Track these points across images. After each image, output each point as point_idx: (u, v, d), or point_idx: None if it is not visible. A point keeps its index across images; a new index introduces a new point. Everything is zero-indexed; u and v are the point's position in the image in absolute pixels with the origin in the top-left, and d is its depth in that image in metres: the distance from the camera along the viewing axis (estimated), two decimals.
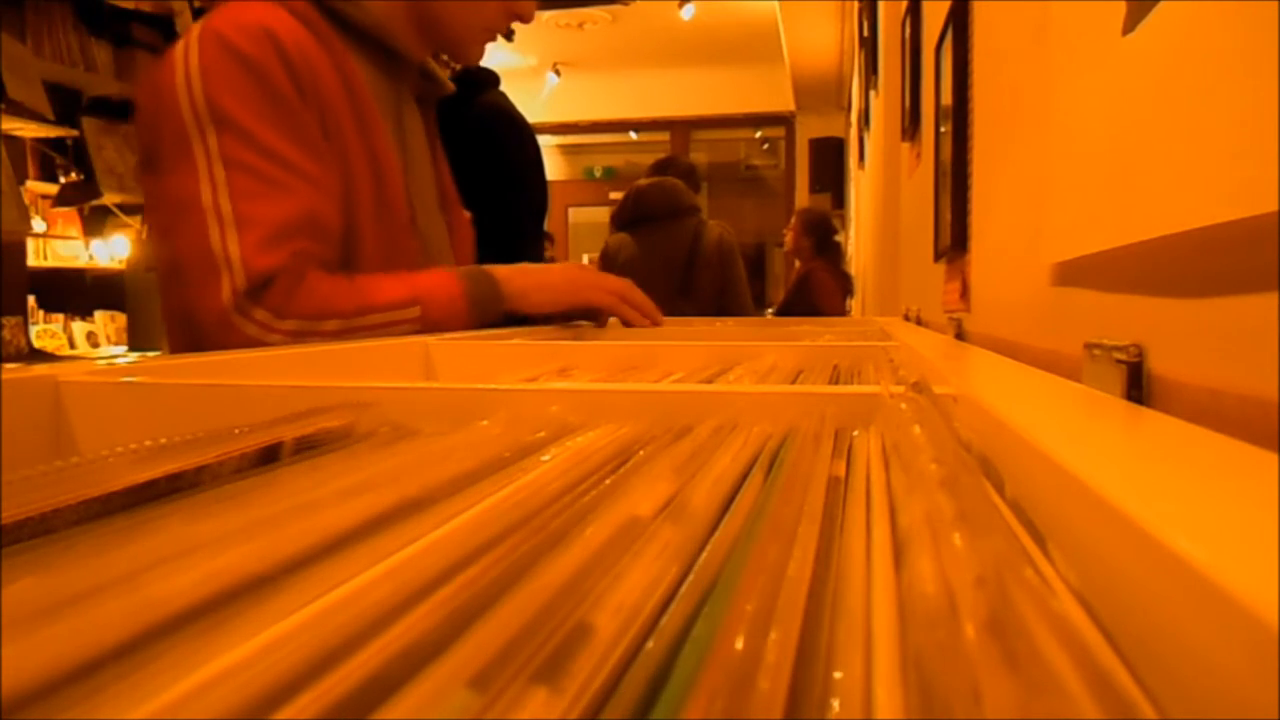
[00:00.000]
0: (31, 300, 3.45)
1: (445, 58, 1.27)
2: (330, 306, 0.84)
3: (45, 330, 3.52)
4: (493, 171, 1.26)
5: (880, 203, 2.78)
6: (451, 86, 1.17)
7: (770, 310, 4.94)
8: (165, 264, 0.86)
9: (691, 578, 0.18)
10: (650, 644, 0.14)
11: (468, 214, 1.21)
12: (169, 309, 0.90)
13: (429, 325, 0.89)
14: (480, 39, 1.08)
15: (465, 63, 1.15)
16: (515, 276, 0.98)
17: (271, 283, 0.81)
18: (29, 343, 3.28)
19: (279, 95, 0.85)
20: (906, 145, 2.04)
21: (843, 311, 3.90)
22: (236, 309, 0.80)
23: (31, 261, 3.45)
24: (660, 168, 2.97)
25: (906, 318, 1.76)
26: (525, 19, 1.10)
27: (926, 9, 1.62)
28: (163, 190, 0.85)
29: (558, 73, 6.77)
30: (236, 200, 0.81)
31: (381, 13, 1.00)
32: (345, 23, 0.97)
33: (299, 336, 0.82)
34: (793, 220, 4.15)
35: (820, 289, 3.79)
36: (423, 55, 1.08)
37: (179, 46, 0.87)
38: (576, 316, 1.08)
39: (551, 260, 3.55)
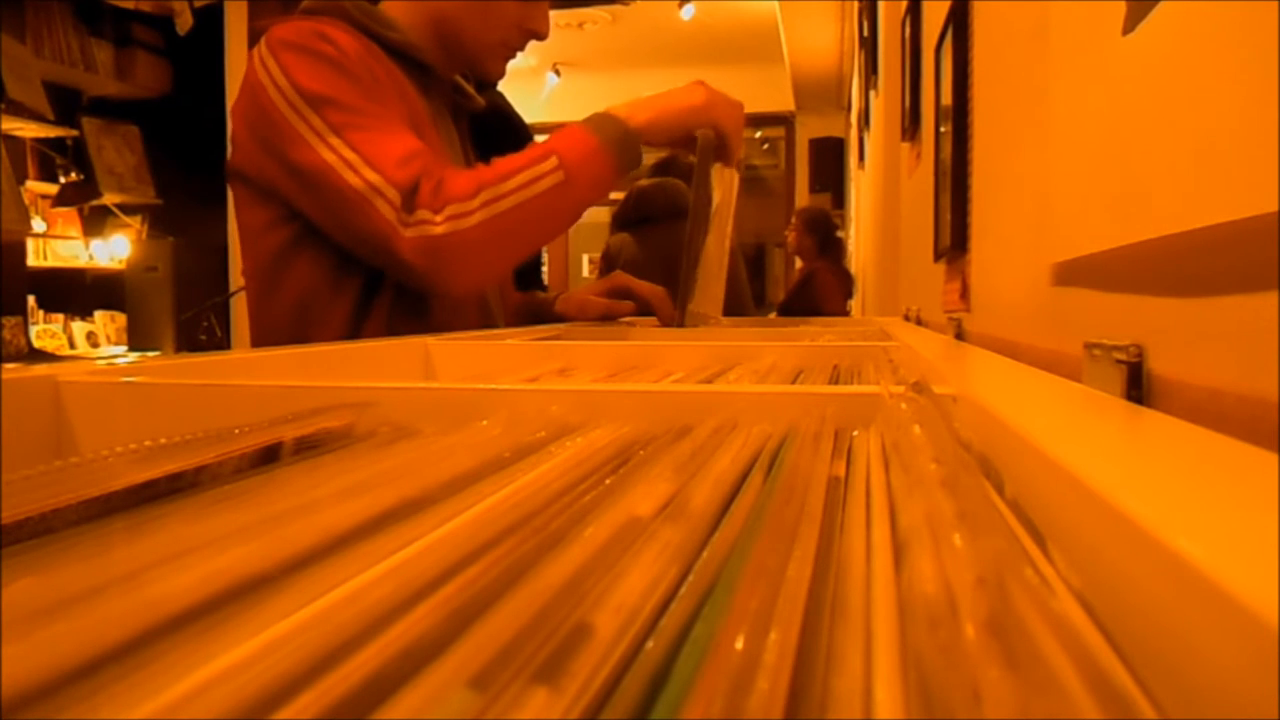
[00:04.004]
0: (31, 300, 3.45)
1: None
2: (475, 182, 0.91)
3: (45, 330, 3.51)
4: None
5: (880, 203, 2.78)
6: (481, 102, 1.22)
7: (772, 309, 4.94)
8: (265, 258, 0.98)
9: (691, 578, 0.18)
10: (650, 644, 0.14)
11: None
12: (259, 306, 1.01)
13: (572, 175, 0.93)
14: (499, 55, 1.12)
15: (489, 79, 1.19)
16: (635, 110, 1.00)
17: (417, 188, 0.90)
18: (29, 343, 3.28)
19: (352, 74, 0.95)
20: (906, 145, 2.04)
21: (844, 312, 3.90)
22: (400, 221, 0.90)
23: (31, 261, 3.45)
24: (661, 168, 2.96)
25: (906, 318, 1.76)
26: (541, 36, 1.13)
27: (926, 9, 1.62)
28: (286, 174, 0.94)
29: (558, 73, 6.76)
30: (358, 148, 0.91)
31: (411, 33, 1.07)
32: (382, 42, 1.05)
33: (457, 219, 0.90)
34: (793, 220, 4.15)
35: (823, 289, 3.79)
36: (452, 73, 1.14)
37: (253, 66, 0.97)
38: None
39: (543, 268, 3.56)
